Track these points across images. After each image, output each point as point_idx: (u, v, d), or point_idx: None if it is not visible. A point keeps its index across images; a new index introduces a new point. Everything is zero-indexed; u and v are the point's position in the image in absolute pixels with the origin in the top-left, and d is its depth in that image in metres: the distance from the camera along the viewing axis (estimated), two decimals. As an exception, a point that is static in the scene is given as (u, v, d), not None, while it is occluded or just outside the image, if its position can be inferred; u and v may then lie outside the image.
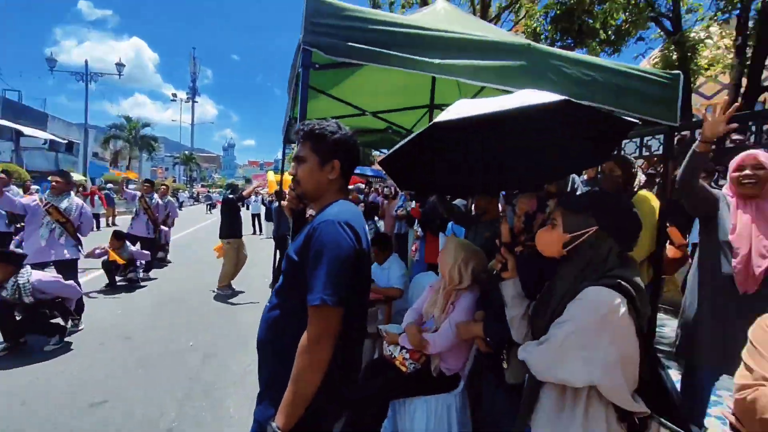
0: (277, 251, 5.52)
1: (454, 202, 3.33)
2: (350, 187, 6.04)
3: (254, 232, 13.33)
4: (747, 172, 1.78)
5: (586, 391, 1.13)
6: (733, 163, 1.86)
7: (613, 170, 2.30)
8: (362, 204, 6.97)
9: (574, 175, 2.98)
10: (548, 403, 1.20)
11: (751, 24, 6.56)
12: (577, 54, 2.06)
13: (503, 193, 3.12)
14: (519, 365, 1.34)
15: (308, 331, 1.05)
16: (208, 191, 36.61)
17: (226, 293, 5.54)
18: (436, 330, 2.04)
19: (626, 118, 1.44)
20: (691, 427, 1.97)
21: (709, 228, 1.93)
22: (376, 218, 6.51)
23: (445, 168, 2.04)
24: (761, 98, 7.64)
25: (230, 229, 5.68)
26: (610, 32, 8.40)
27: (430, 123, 1.36)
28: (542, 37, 9.12)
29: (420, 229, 4.51)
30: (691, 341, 1.96)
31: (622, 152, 4.92)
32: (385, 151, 4.91)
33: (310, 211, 1.42)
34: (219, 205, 8.31)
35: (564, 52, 2.01)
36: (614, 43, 8.44)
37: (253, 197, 13.98)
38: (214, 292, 5.57)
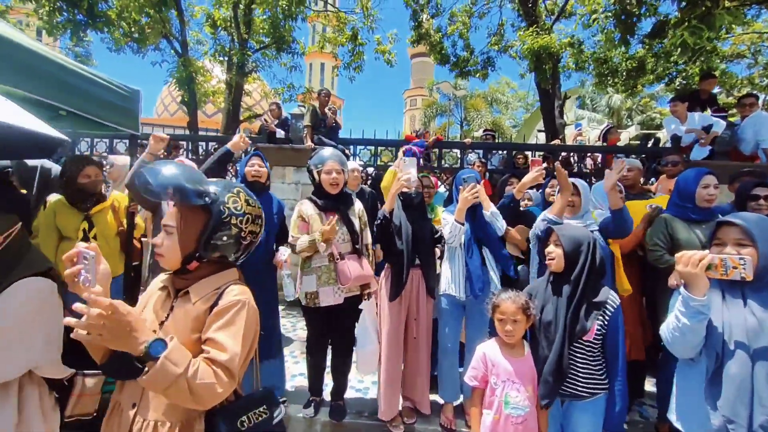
0: None
1: None
2: None
3: None
4: None
5: (16, 381, 1.17)
6: None
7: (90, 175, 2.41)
8: None
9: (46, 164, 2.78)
10: None
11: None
12: (27, 40, 1.92)
13: None
14: None
15: None
16: None
17: None
18: None
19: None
20: None
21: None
22: None
23: None
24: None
25: None
26: (133, 29, 8.45)
27: None
28: (42, -2, 7.51)
29: None
30: None
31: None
32: None
33: None
34: None
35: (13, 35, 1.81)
36: (139, 42, 8.56)
37: None
38: None
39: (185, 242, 1.01)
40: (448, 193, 3.61)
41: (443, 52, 9.25)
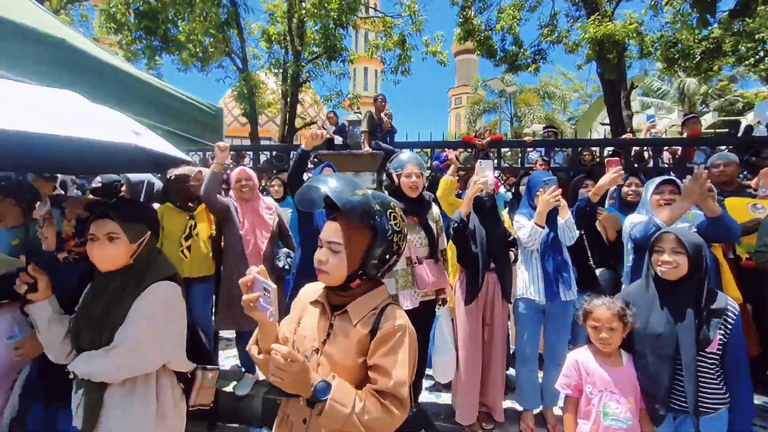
0: None
1: None
2: None
3: None
4: (243, 182, 2.63)
5: (155, 372, 1.31)
6: None
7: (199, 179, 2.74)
8: None
9: (151, 179, 3.11)
10: (117, 403, 1.27)
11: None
12: (135, 70, 2.19)
13: (50, 197, 2.72)
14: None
15: None
16: None
17: None
18: None
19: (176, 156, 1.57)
20: (246, 374, 2.68)
21: (230, 225, 2.70)
22: None
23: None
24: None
25: None
26: (198, 50, 9.20)
27: None
28: (125, 28, 8.45)
29: None
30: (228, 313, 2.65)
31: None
32: None
33: None
34: None
35: (121, 65, 2.07)
36: (203, 61, 9.33)
37: None
38: None
39: (352, 260, 0.99)
40: (511, 194, 3.50)
41: (491, 47, 9.03)
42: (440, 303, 2.31)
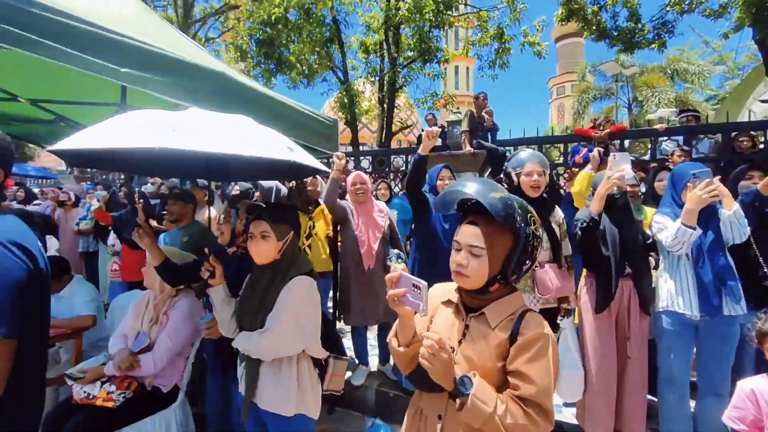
0: None
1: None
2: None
3: None
4: (358, 186, 2.74)
5: (296, 355, 1.51)
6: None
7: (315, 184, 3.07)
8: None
9: (279, 185, 3.56)
10: (269, 378, 1.50)
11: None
12: (267, 90, 2.53)
13: (229, 198, 3.29)
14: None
15: None
16: None
17: None
18: (149, 348, 1.95)
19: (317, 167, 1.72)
20: (360, 366, 2.87)
21: (345, 227, 2.81)
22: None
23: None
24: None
25: None
26: (304, 68, 10.20)
27: (154, 146, 1.16)
28: (249, 55, 9.82)
29: (117, 243, 3.84)
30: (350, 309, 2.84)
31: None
32: (47, 144, 3.81)
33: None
34: None
35: (257, 87, 2.44)
36: (308, 77, 10.33)
37: None
38: None
39: (493, 264, 0.98)
40: (648, 190, 3.07)
41: (601, 26, 7.97)
42: (563, 314, 2.13)
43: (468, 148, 4.74)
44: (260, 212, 1.57)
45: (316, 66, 10.30)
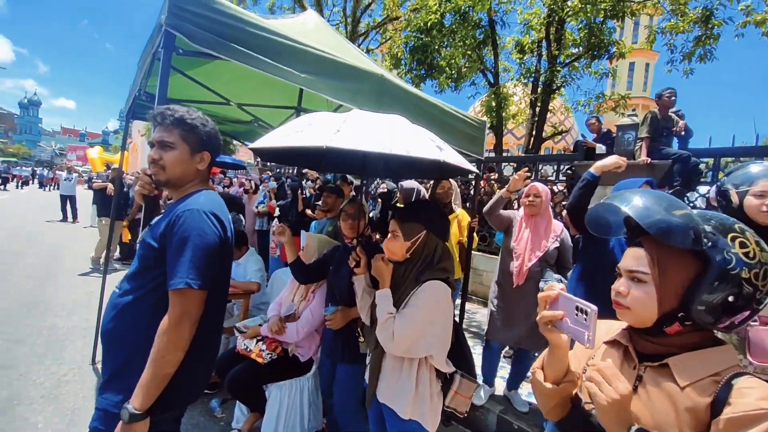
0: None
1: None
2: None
3: (64, 218, 10.63)
4: (531, 198, 2.49)
5: (417, 360, 1.47)
6: (522, 192, 2.62)
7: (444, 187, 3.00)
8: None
9: (419, 187, 3.62)
10: (389, 371, 1.51)
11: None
12: (417, 90, 2.56)
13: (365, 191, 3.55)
14: (371, 338, 1.60)
15: (170, 313, 1.08)
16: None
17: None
18: (296, 318, 2.22)
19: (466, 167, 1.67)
20: (483, 384, 2.68)
21: (506, 238, 2.64)
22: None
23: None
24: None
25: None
26: (453, 72, 10.21)
27: (322, 144, 1.24)
28: (402, 62, 10.39)
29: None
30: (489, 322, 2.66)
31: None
32: (248, 143, 4.78)
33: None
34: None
35: (408, 87, 2.49)
36: (456, 81, 10.30)
37: (64, 174, 11.22)
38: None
39: (666, 296, 0.76)
40: None
41: None
42: None
43: (643, 158, 3.89)
44: (392, 211, 1.59)
45: (465, 69, 10.18)
